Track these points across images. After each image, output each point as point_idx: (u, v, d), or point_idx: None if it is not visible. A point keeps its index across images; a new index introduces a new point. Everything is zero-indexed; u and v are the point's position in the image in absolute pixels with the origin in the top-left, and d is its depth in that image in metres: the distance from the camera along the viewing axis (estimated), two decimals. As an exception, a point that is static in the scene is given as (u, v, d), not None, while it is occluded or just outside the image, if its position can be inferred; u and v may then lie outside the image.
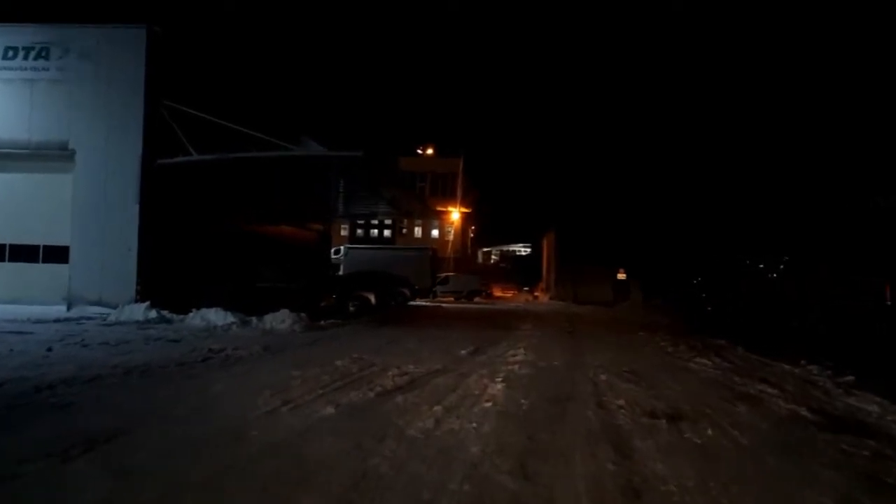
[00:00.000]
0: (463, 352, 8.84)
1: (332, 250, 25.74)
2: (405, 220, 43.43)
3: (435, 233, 43.71)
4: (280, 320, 11.10)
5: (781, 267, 20.11)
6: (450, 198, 43.37)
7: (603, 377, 7.03)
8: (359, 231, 42.31)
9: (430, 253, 30.71)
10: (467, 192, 44.66)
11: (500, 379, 6.55)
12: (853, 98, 23.87)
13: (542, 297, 38.38)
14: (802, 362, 8.46)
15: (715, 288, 24.03)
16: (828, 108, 24.82)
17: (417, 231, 43.87)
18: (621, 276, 32.31)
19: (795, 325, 15.28)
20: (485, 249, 67.49)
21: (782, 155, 26.70)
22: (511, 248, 71.53)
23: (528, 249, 66.43)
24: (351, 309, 15.37)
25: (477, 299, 32.28)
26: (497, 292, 42.37)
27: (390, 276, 21.39)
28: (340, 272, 25.61)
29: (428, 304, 26.39)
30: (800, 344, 11.38)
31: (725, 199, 28.90)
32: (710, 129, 33.90)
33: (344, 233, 41.41)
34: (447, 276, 32.32)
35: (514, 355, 8.72)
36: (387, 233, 43.13)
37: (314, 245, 22.69)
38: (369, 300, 16.84)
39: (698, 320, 18.37)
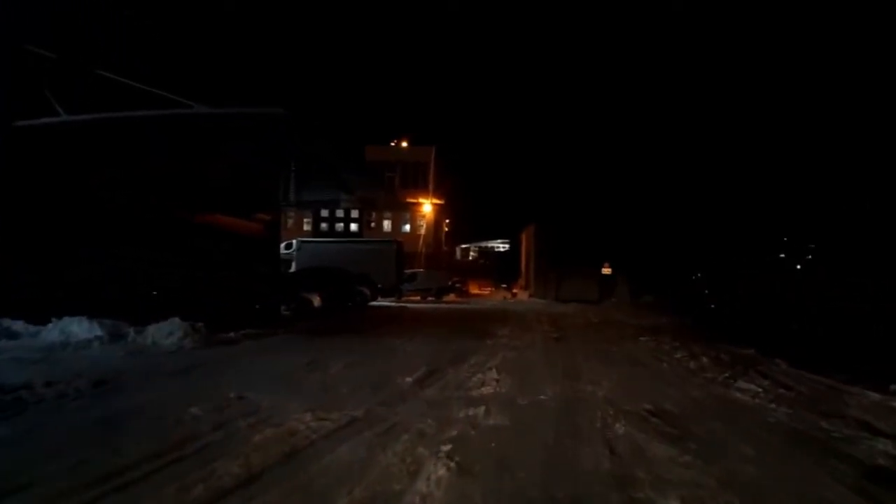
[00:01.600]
0: (408, 379, 6.15)
1: (283, 244, 22.48)
2: (373, 213, 40.23)
3: (406, 227, 40.61)
4: (166, 333, 8.15)
5: (809, 257, 17.75)
6: (422, 190, 40.32)
7: (620, 428, 4.38)
8: (323, 225, 38.93)
9: (396, 246, 27.29)
10: (441, 184, 41.72)
11: (449, 443, 3.83)
12: (852, 93, 21.84)
13: (522, 295, 35.86)
14: (893, 388, 5.93)
15: (719, 284, 21.59)
16: (828, 100, 22.73)
17: (387, 224, 40.65)
18: (606, 270, 29.65)
19: (795, 327, 13.37)
20: (463, 246, 65.86)
21: (780, 142, 24.53)
22: (489, 245, 69.82)
23: (507, 245, 64.54)
24: (285, 313, 12.39)
25: (449, 298, 29.42)
26: (474, 290, 39.75)
27: (345, 274, 18.28)
28: (292, 269, 22.39)
29: (392, 304, 23.41)
30: (838, 352, 8.90)
31: (721, 186, 26.60)
32: (696, 115, 31.69)
33: (307, 227, 38.11)
34: (414, 273, 29.08)
35: (481, 383, 6.06)
36: (353, 226, 39.85)
37: (262, 238, 19.47)
38: (311, 302, 13.85)
39: (702, 320, 15.91)
